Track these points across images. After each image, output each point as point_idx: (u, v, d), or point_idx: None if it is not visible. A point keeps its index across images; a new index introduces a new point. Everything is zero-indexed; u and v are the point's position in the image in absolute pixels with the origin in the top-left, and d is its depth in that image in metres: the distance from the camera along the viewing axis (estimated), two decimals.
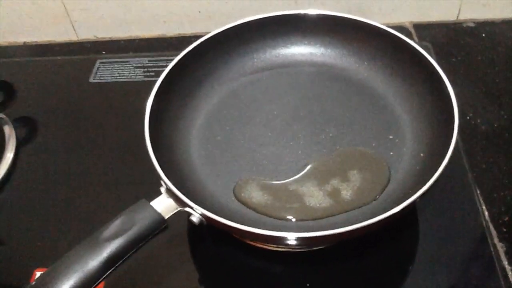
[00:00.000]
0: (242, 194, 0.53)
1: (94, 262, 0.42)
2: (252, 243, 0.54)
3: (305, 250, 0.54)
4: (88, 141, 0.68)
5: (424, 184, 0.46)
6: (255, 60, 0.66)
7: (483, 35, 0.81)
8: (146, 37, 0.87)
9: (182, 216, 0.48)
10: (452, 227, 0.56)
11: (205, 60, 0.63)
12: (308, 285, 0.52)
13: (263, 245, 0.54)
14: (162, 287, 0.54)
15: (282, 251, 0.54)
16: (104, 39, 0.88)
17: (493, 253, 0.54)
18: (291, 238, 0.45)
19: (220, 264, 0.55)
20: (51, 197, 0.62)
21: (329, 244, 0.53)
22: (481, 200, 0.60)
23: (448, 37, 0.82)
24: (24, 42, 0.88)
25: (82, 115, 0.71)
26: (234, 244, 0.55)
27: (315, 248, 0.53)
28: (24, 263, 0.56)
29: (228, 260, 0.55)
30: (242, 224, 0.44)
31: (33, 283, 0.42)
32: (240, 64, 0.65)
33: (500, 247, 0.56)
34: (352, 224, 0.44)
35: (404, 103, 0.60)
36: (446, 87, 0.53)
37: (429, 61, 0.56)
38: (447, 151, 0.48)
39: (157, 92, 0.56)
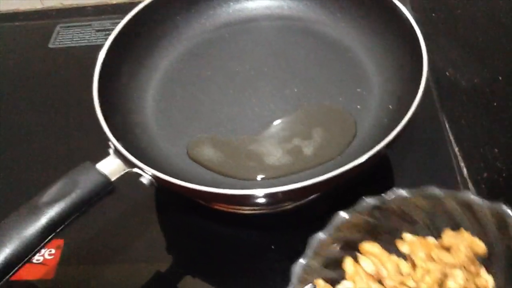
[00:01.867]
0: (194, 152, 0.51)
1: (32, 228, 0.40)
2: (218, 207, 0.52)
3: (269, 211, 0.52)
4: (42, 106, 0.66)
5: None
6: (217, 15, 0.62)
7: None
8: (114, 2, 0.84)
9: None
10: (428, 185, 0.53)
11: (162, 16, 0.60)
12: (272, 247, 0.50)
13: (225, 207, 0.52)
14: (128, 256, 0.52)
15: (247, 214, 0.52)
16: (70, 6, 0.84)
17: None
18: (241, 195, 0.42)
19: (187, 231, 0.53)
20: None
21: (295, 202, 0.51)
22: (459, 157, 0.57)
23: None
24: None
25: (38, 81, 0.70)
26: (201, 210, 0.53)
27: (281, 209, 0.51)
28: None
29: (194, 226, 0.53)
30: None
31: None
32: (201, 20, 0.62)
33: None
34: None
35: (373, 54, 0.57)
36: (415, 34, 0.51)
37: (398, 8, 0.53)
38: (415, 99, 0.44)
39: (110, 47, 0.53)
